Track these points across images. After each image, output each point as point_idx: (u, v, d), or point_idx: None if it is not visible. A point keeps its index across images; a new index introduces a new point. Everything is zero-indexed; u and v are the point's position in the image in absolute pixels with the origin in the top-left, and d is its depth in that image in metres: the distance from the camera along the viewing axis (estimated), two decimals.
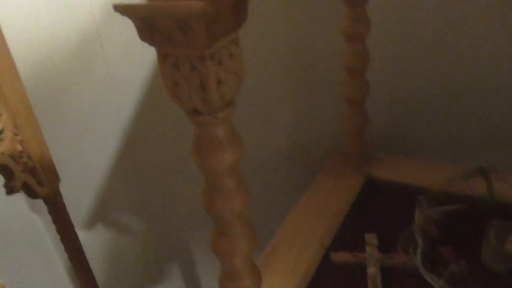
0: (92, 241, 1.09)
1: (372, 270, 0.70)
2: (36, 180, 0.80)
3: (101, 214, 1.09)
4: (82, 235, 1.04)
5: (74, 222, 0.98)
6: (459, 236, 0.75)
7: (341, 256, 0.74)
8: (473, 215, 0.78)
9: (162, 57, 0.43)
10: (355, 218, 0.84)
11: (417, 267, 0.68)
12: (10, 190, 0.75)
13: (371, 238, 0.77)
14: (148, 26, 0.41)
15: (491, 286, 0.66)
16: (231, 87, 0.45)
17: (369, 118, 0.92)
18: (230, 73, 0.44)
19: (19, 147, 0.76)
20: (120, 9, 0.40)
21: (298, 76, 1.04)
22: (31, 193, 0.81)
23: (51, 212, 0.86)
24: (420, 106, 1.00)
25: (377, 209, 0.85)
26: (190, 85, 0.43)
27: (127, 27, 0.88)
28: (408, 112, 1.02)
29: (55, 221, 0.87)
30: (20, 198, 1.06)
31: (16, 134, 0.76)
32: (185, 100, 0.45)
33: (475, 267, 0.69)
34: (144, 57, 0.97)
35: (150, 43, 0.42)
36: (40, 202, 0.84)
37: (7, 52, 0.73)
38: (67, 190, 0.87)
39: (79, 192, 1.07)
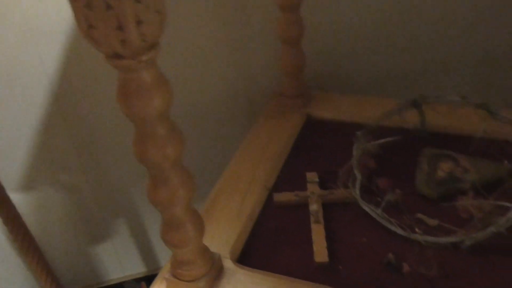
0: (27, 202, 1.04)
1: (314, 206, 0.72)
2: None
3: (34, 173, 1.03)
4: (16, 196, 0.99)
5: (5, 184, 0.93)
6: (395, 167, 0.78)
7: (283, 196, 0.75)
8: (407, 145, 0.81)
9: None
10: (297, 158, 0.85)
11: (356, 200, 0.70)
12: None
13: (312, 176, 0.78)
14: None
15: (424, 210, 0.69)
16: (152, 26, 0.42)
17: (305, 58, 0.91)
18: (151, 11, 0.41)
19: None
20: None
21: (233, 16, 1.00)
22: None
23: None
24: (353, 43, 1.00)
25: (318, 148, 0.86)
26: (106, 26, 0.39)
27: None
28: (343, 49, 1.02)
29: None
30: None
31: None
32: (102, 44, 0.41)
33: (410, 194, 0.72)
34: (63, 6, 0.89)
35: None
36: None
37: None
38: None
39: (7, 152, 1.00)
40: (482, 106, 0.75)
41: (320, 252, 0.65)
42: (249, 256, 0.67)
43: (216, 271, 0.62)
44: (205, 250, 0.60)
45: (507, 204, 0.62)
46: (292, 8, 0.84)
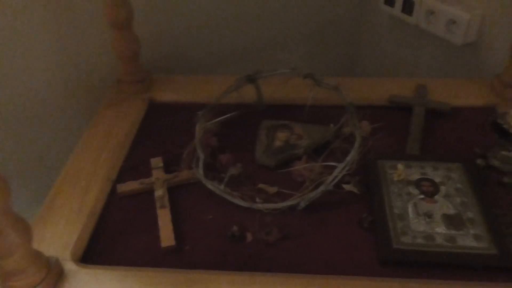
0: None
1: (159, 192, 0.70)
2: None
3: None
4: None
5: None
6: (236, 142, 0.80)
7: (127, 186, 0.73)
8: (247, 120, 0.84)
9: None
10: (141, 145, 0.82)
11: (200, 179, 0.71)
12: None
13: (157, 162, 0.77)
14: None
15: (265, 180, 0.72)
16: None
17: (139, 41, 0.88)
18: None
19: None
20: None
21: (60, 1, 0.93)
22: None
23: None
24: (190, 24, 0.99)
25: (162, 132, 0.85)
26: None
27: None
28: (181, 31, 1.01)
29: None
30: None
31: None
32: None
33: (251, 166, 0.75)
34: None
35: None
36: None
37: None
38: None
39: None
40: (308, 75, 0.80)
41: (166, 236, 0.64)
42: (94, 253, 0.64)
43: (55, 275, 0.58)
44: (37, 256, 0.56)
45: (333, 163, 0.67)
46: None
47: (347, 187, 0.69)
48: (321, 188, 0.65)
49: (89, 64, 1.00)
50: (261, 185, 0.71)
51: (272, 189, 0.70)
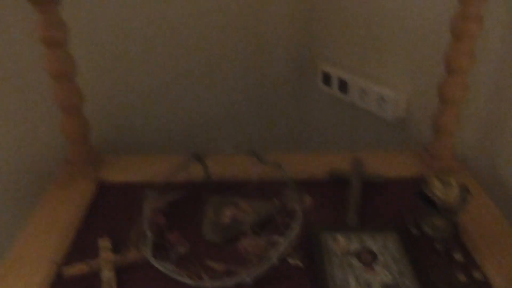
0: None
1: (106, 273, 0.70)
2: None
3: None
4: None
5: None
6: (184, 219, 0.82)
7: (74, 269, 0.72)
8: (195, 197, 0.87)
9: None
10: (89, 226, 0.83)
11: (148, 259, 0.72)
12: None
13: (104, 242, 0.77)
14: None
15: (212, 256, 0.74)
16: None
17: (89, 123, 0.91)
18: None
19: None
20: None
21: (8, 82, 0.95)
22: None
23: None
24: (137, 105, 1.04)
25: (110, 212, 0.86)
26: None
27: None
28: (128, 111, 1.05)
29: None
30: None
31: None
32: None
33: (199, 243, 0.77)
34: None
35: None
36: None
37: None
38: None
39: None
40: (251, 153, 0.85)
41: None
42: None
43: None
44: None
45: (277, 237, 0.70)
46: (63, 76, 0.83)
47: (292, 261, 0.72)
48: (266, 262, 0.68)
49: (36, 144, 1.01)
50: (208, 262, 0.73)
51: (220, 266, 0.72)
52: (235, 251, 0.74)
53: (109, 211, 0.86)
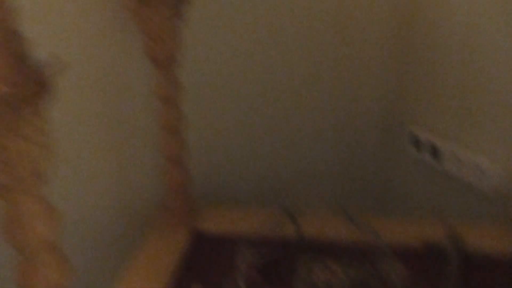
0: None
1: None
2: None
3: None
4: None
5: None
6: (276, 275, 0.83)
7: None
8: (287, 253, 0.88)
9: None
10: (184, 273, 0.86)
11: None
12: None
13: None
14: None
15: None
16: (39, 161, 0.44)
17: (190, 173, 0.97)
18: (37, 147, 0.44)
19: None
20: None
21: (116, 131, 1.04)
22: None
23: None
24: (231, 157, 1.09)
25: (204, 261, 0.89)
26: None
27: None
28: (225, 162, 1.10)
29: None
30: None
31: None
32: None
33: None
34: None
35: None
36: None
37: None
38: None
39: None
40: (343, 213, 0.86)
41: None
42: None
43: None
44: None
45: None
46: (176, 130, 0.90)
47: None
48: None
49: (139, 189, 1.08)
50: None
51: None
52: None
53: (203, 259, 0.89)
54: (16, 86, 0.38)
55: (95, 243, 1.07)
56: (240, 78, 1.09)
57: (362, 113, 1.20)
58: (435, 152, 1.13)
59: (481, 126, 1.03)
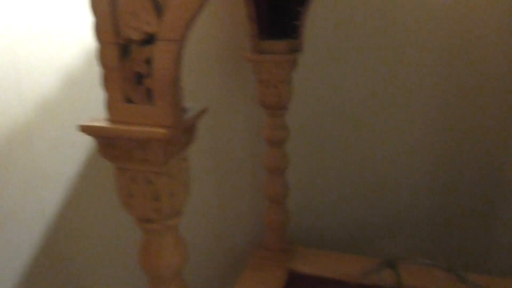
0: None
1: None
2: None
3: None
4: None
5: None
6: None
7: None
8: None
9: (120, 171, 0.47)
10: None
11: None
12: None
13: None
14: (110, 145, 0.45)
15: None
16: (180, 197, 0.50)
17: (290, 215, 1.00)
18: (180, 185, 0.49)
19: None
20: (87, 129, 0.44)
21: (220, 172, 1.11)
22: None
23: None
24: (331, 203, 1.11)
25: None
26: (145, 197, 0.47)
27: (58, 124, 0.90)
28: (321, 208, 1.12)
29: None
30: None
31: None
32: (138, 210, 0.48)
33: None
34: (73, 153, 0.98)
35: (111, 160, 0.46)
36: None
37: None
38: None
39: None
40: (451, 269, 0.83)
41: None
42: None
43: None
44: None
45: None
46: (280, 171, 0.95)
47: None
48: None
49: (237, 227, 1.13)
50: None
51: None
52: None
53: None
54: (173, 132, 0.44)
55: (196, 276, 1.13)
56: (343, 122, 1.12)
57: (466, 164, 1.17)
58: None
59: None
